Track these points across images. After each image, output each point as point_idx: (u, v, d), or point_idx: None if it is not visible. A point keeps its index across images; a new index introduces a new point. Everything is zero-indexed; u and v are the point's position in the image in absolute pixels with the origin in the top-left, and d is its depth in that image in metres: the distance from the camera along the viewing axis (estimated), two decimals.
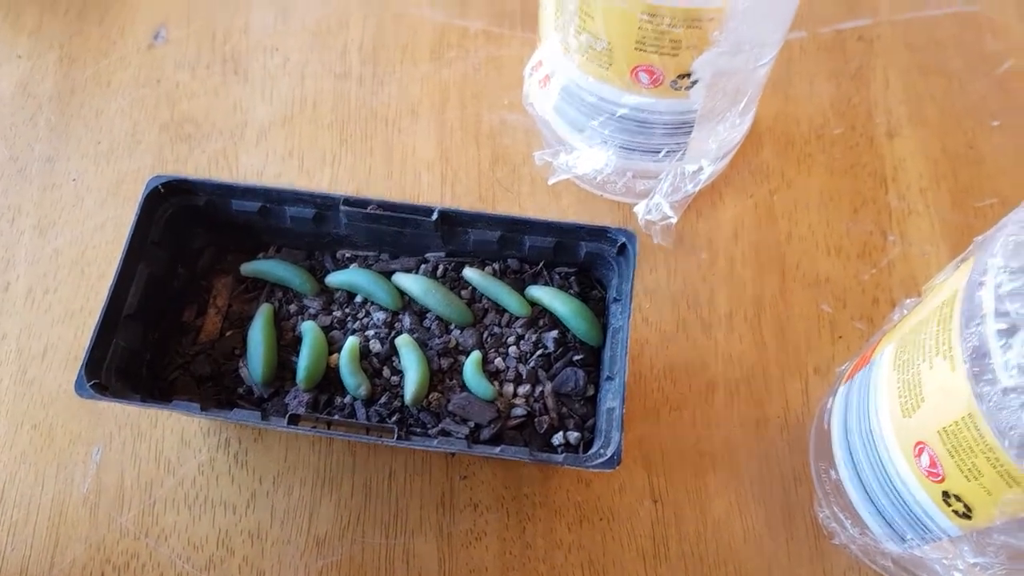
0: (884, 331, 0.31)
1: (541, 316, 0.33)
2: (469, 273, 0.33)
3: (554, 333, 0.33)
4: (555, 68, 0.34)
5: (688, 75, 0.31)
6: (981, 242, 0.25)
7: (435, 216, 0.32)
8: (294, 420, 0.29)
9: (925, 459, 0.25)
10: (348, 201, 0.32)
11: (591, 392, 0.32)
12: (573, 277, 0.34)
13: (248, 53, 0.45)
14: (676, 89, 0.32)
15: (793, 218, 0.41)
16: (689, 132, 0.35)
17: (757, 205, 0.41)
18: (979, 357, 0.22)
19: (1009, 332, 0.21)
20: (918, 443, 0.26)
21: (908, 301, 0.33)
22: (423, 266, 0.34)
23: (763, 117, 0.43)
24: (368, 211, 0.32)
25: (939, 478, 0.25)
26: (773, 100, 0.44)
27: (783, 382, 0.37)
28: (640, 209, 0.36)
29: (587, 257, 0.33)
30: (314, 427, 0.29)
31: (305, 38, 0.45)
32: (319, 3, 0.46)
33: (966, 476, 0.24)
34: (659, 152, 0.36)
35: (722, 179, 0.41)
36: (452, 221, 0.33)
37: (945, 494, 0.25)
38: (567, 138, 0.37)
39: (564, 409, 0.32)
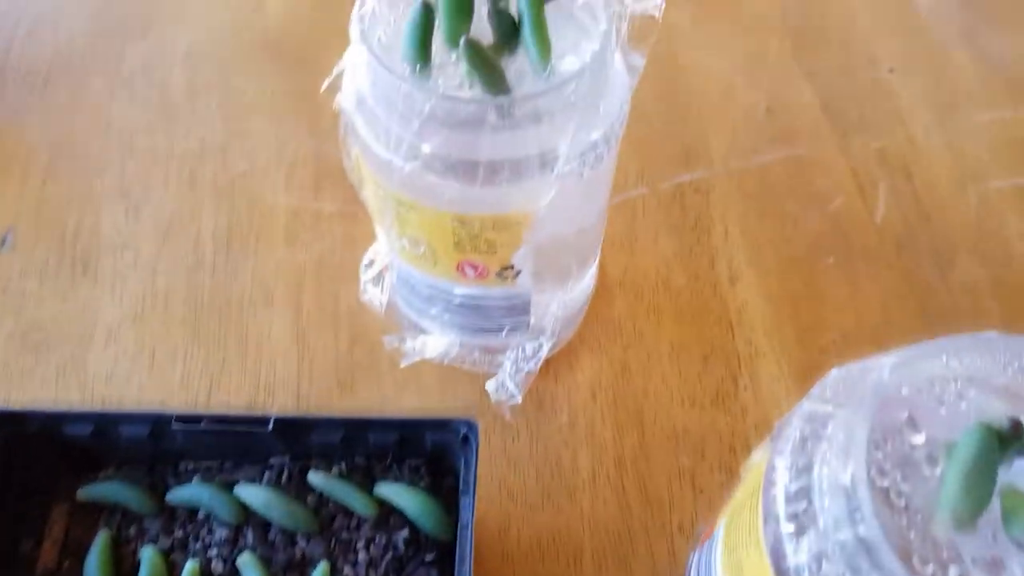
0: (729, 496, 0.32)
1: (391, 515, 0.33)
2: (313, 478, 0.33)
3: (404, 532, 0.32)
4: (389, 263, 0.35)
5: (511, 267, 0.32)
6: (780, 426, 0.25)
7: (271, 426, 0.32)
8: None
9: None
10: (180, 418, 0.32)
11: None
12: (423, 469, 0.34)
13: (98, 253, 0.45)
14: (503, 279, 0.33)
15: (647, 371, 0.41)
16: (527, 311, 0.36)
17: (612, 361, 0.42)
18: (778, 555, 0.22)
19: (799, 532, 0.22)
20: None
21: (753, 458, 0.34)
22: (267, 473, 0.34)
23: (612, 272, 0.45)
24: (201, 427, 0.32)
25: None
26: (620, 255, 0.45)
27: (649, 543, 0.37)
28: (490, 387, 0.36)
29: (435, 447, 0.33)
30: None
31: (157, 232, 0.45)
32: (171, 196, 0.47)
33: None
34: (502, 330, 0.36)
35: (577, 337, 0.42)
36: (290, 427, 0.32)
37: None
38: (413, 321, 0.38)
39: None
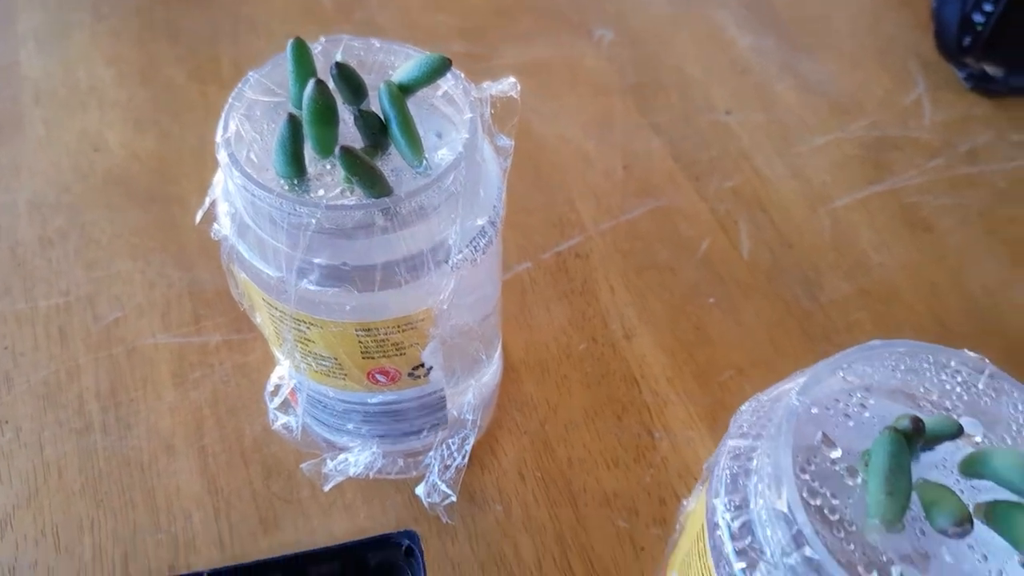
0: (670, 547, 0.32)
1: None
2: None
3: None
4: (296, 384, 0.34)
5: (421, 365, 0.32)
6: (709, 467, 0.26)
7: None
8: None
9: None
10: None
11: None
12: None
13: None
14: (416, 378, 0.33)
15: (568, 442, 0.42)
16: (443, 406, 0.36)
17: (532, 439, 0.42)
18: None
19: (750, 566, 0.22)
20: None
21: (684, 503, 0.35)
22: None
23: (514, 350, 0.45)
24: None
25: None
26: (519, 332, 0.46)
27: None
28: (421, 492, 0.36)
29: (379, 567, 0.33)
30: None
31: (35, 401, 0.43)
32: (43, 359, 0.44)
33: None
34: (421, 431, 0.36)
35: (494, 423, 0.42)
36: None
37: None
38: (329, 439, 0.37)
39: None
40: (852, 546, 0.21)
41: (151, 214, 0.50)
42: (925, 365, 0.24)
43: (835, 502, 0.22)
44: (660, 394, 0.44)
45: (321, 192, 0.27)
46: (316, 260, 0.27)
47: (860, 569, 0.21)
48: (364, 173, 0.26)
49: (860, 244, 0.50)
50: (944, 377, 0.24)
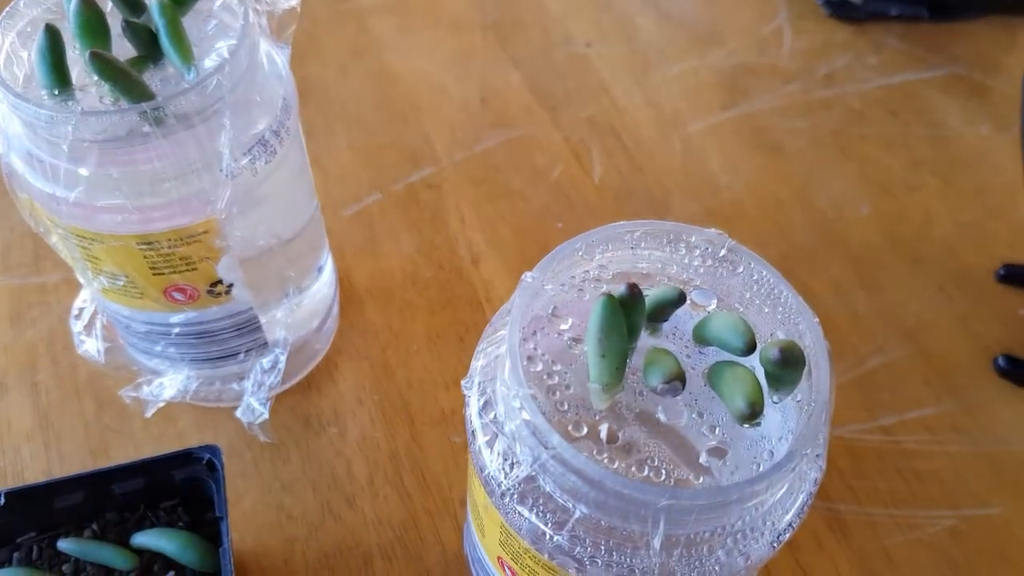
0: None
1: (154, 562, 0.32)
2: (63, 545, 0.31)
3: (171, 575, 0.31)
4: (98, 307, 0.34)
5: (220, 282, 0.32)
6: None
7: (3, 501, 0.30)
8: None
9: (508, 571, 0.26)
10: None
11: None
12: (180, 508, 0.33)
13: None
14: (217, 296, 0.33)
15: (408, 366, 0.42)
16: (258, 327, 0.35)
17: (372, 365, 0.42)
18: (481, 468, 0.23)
19: (491, 442, 0.23)
20: (498, 557, 0.27)
21: None
22: (16, 554, 0.32)
23: (358, 280, 0.45)
24: None
25: None
26: (364, 262, 0.46)
27: (435, 526, 0.37)
28: (239, 413, 0.36)
29: (186, 483, 0.33)
30: None
31: None
32: None
33: None
34: (239, 353, 0.36)
35: (333, 350, 0.43)
36: (27, 498, 0.31)
37: None
38: (146, 364, 0.37)
39: None
40: (567, 406, 0.22)
41: None
42: (665, 243, 0.25)
43: (556, 367, 0.22)
44: None
45: (87, 102, 0.27)
46: (81, 170, 0.27)
47: (570, 428, 0.21)
48: (117, 77, 0.26)
49: (709, 166, 0.51)
50: (683, 253, 0.25)
